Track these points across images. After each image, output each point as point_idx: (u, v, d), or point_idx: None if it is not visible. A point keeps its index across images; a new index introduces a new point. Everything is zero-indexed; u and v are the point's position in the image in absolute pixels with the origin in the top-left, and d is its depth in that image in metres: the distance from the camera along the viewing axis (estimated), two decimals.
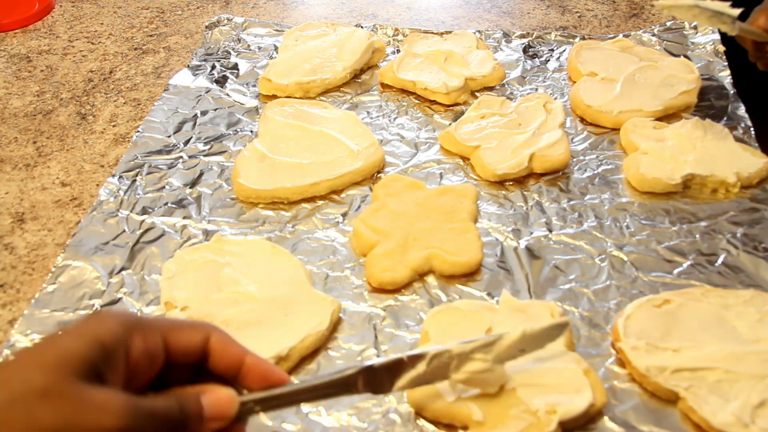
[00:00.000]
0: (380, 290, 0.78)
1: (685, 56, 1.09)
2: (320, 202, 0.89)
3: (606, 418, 0.66)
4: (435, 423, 0.66)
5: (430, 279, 0.80)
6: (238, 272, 0.78)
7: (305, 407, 0.68)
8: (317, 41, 1.13)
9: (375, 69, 1.12)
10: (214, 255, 0.80)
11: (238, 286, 0.77)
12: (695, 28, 1.15)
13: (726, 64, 1.07)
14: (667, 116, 0.99)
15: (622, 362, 0.71)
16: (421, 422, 0.66)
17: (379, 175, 0.93)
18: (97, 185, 0.94)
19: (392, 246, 0.80)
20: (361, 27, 1.17)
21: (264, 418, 0.67)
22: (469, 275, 0.80)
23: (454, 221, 0.83)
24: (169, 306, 0.76)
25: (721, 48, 1.09)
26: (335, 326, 0.75)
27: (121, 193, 0.90)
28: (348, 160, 0.92)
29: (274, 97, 1.06)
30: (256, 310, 0.74)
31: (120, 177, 0.92)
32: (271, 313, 0.74)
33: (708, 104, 1.01)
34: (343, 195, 0.90)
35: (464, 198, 0.86)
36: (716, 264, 0.80)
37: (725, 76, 1.06)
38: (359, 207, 0.89)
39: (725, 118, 0.98)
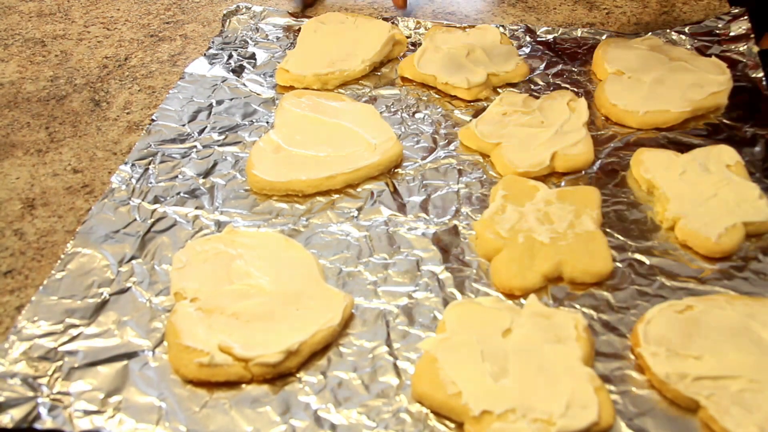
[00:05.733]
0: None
1: (717, 56, 1.06)
2: (335, 196, 0.88)
3: (623, 424, 0.64)
4: (445, 423, 0.65)
5: (443, 275, 0.78)
6: (250, 264, 0.77)
7: (314, 404, 0.66)
8: (336, 32, 1.12)
9: (395, 62, 1.10)
10: (226, 246, 0.79)
11: (250, 278, 0.76)
12: (728, 27, 1.12)
13: (759, 64, 1.05)
14: (696, 117, 0.96)
15: (641, 368, 0.69)
16: (432, 422, 0.65)
17: (396, 170, 0.91)
18: (109, 173, 0.93)
19: (519, 251, 0.77)
20: (383, 20, 1.15)
21: (272, 414, 0.66)
22: (598, 283, 0.77)
23: (579, 226, 0.80)
24: (179, 297, 0.75)
25: (755, 48, 1.07)
26: (347, 322, 0.73)
27: (133, 181, 0.89)
28: (365, 153, 0.90)
29: (291, 88, 1.04)
30: (266, 303, 0.73)
31: (132, 165, 0.91)
32: (282, 307, 0.73)
33: (739, 106, 0.98)
34: (359, 189, 0.89)
35: (588, 203, 0.83)
36: (743, 271, 0.78)
37: (758, 78, 1.03)
38: (375, 202, 0.87)
39: (756, 121, 0.96)
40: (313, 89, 1.04)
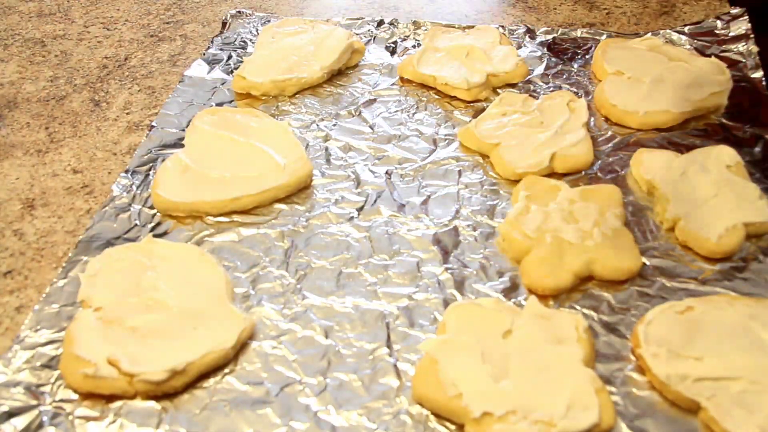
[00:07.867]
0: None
1: (717, 56, 1.06)
2: None
3: (624, 426, 0.64)
4: (445, 425, 0.65)
5: (443, 276, 0.78)
6: (160, 278, 0.75)
7: (315, 405, 0.66)
8: (294, 38, 1.11)
9: (356, 69, 1.09)
10: (142, 256, 0.77)
11: (156, 292, 0.73)
12: (728, 27, 1.12)
13: (759, 65, 1.04)
14: (696, 117, 0.96)
15: (641, 369, 0.69)
16: (433, 424, 0.65)
17: (394, 170, 0.91)
18: (109, 173, 0.93)
19: (547, 251, 0.77)
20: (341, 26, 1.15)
21: (272, 416, 0.66)
22: (626, 281, 0.77)
23: (605, 224, 0.80)
24: (85, 305, 0.73)
25: (755, 48, 1.07)
26: (242, 347, 0.71)
27: (134, 187, 0.89)
28: (272, 174, 0.87)
29: (248, 95, 1.03)
30: (166, 319, 0.71)
31: (133, 172, 0.91)
32: (181, 325, 0.71)
33: (739, 106, 0.98)
34: (358, 190, 0.89)
35: (611, 201, 0.83)
36: (743, 272, 0.78)
37: (758, 78, 1.03)
38: (374, 202, 0.87)
39: (756, 121, 0.96)
40: (271, 96, 1.03)
